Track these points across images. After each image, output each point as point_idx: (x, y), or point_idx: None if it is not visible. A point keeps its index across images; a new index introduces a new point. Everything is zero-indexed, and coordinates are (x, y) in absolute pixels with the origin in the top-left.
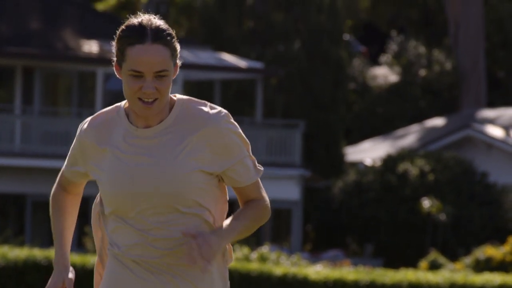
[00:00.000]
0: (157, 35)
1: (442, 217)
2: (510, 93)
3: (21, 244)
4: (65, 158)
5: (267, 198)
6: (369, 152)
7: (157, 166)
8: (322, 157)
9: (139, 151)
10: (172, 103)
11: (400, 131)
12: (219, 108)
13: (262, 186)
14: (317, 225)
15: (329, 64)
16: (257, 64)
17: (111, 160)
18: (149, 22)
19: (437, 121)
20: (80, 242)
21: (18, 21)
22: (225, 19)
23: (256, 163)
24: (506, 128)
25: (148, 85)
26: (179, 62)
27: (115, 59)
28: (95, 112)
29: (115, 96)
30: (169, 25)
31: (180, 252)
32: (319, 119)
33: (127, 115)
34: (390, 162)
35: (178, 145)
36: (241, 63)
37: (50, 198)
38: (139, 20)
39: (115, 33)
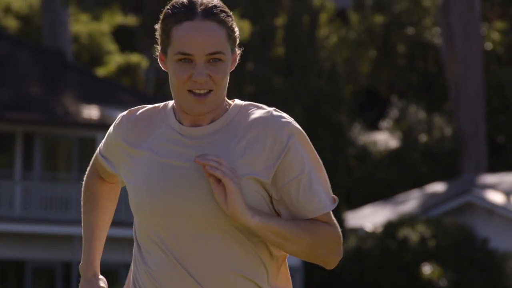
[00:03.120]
0: (209, 10)
1: (443, 283)
2: (510, 158)
3: None
4: (66, 223)
5: (339, 229)
6: (369, 218)
7: (198, 172)
8: None
9: (181, 153)
10: (227, 107)
11: (401, 197)
12: (284, 114)
13: (334, 219)
14: None
15: (329, 129)
16: None
17: (145, 164)
18: None
19: (438, 187)
20: None
21: (18, 86)
22: None
23: (330, 189)
24: (507, 194)
25: (199, 71)
26: (238, 51)
27: (159, 48)
28: None
29: None
30: (169, 91)
31: None
32: None
33: (174, 114)
34: (390, 227)
35: (227, 147)
36: None
37: (83, 185)
38: None
39: (115, 98)
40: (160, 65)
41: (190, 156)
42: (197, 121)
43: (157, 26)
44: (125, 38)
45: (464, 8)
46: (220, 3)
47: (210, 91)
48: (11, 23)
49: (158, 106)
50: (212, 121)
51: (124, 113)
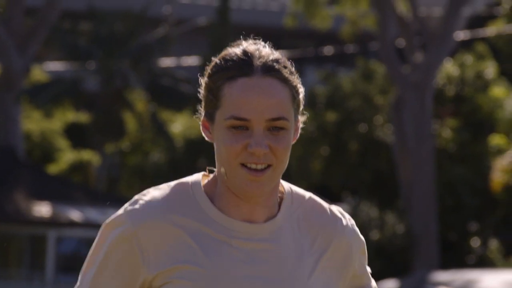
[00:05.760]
0: (271, 64)
1: None
2: (462, 255)
3: None
4: None
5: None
6: None
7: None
8: None
9: (250, 257)
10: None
11: None
12: (341, 210)
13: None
14: None
15: None
16: None
17: (209, 261)
18: (257, 50)
19: (390, 284)
20: None
21: None
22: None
23: None
24: None
25: (258, 141)
26: (301, 118)
27: (202, 111)
28: (45, 276)
29: (67, 260)
30: (121, 188)
31: None
32: None
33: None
34: None
35: (303, 257)
36: None
37: None
38: (243, 46)
39: (67, 196)
40: (203, 134)
41: (262, 260)
42: (252, 216)
43: (202, 83)
44: (77, 135)
45: (416, 105)
46: (282, 57)
47: (268, 166)
48: None
49: (177, 190)
50: (267, 218)
51: (142, 200)
